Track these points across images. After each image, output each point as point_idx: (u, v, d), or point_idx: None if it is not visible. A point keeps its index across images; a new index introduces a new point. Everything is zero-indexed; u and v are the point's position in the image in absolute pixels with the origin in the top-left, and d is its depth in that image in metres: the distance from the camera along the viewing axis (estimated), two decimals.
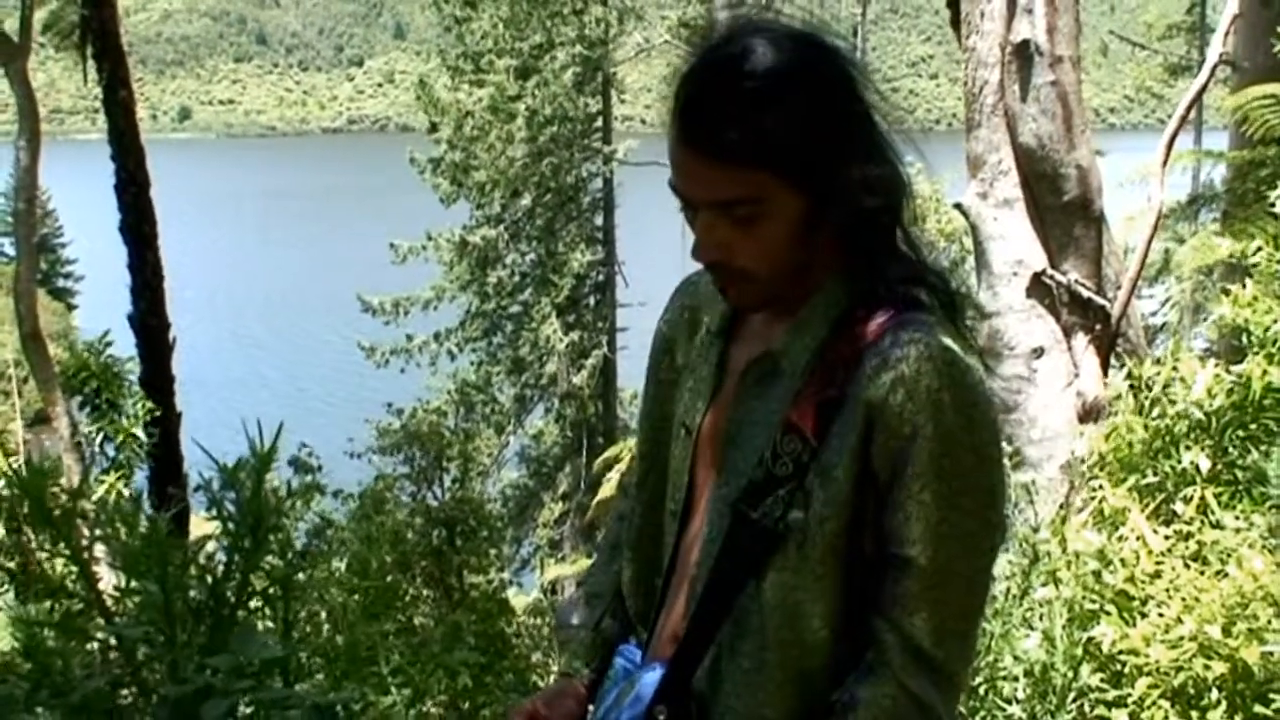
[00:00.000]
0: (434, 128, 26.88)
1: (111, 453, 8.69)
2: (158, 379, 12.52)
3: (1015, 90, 5.99)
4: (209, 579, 2.17)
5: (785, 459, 1.74)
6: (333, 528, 8.44)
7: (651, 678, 1.88)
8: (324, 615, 4.58)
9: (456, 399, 25.12)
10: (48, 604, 2.36)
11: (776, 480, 1.74)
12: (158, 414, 10.65)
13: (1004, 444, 1.79)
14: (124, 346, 11.29)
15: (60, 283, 65.86)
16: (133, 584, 2.15)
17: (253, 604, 2.28)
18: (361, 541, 7.96)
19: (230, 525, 2.16)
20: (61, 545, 2.41)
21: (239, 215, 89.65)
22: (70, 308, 57.78)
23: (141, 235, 12.89)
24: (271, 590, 2.40)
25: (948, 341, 1.70)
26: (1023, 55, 5.91)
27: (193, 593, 2.28)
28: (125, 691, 2.14)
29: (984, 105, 6.22)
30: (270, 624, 2.59)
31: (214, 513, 2.30)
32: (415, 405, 19.94)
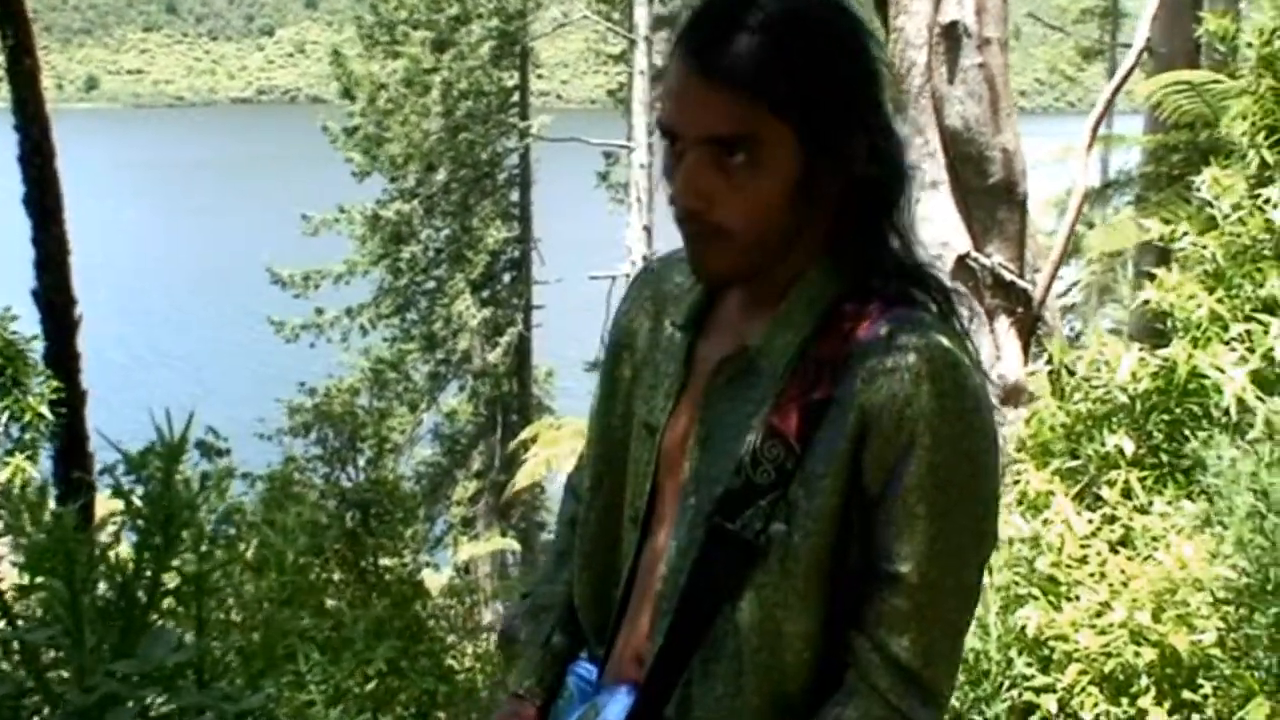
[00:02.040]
0: (348, 96, 26.49)
1: (16, 433, 8.43)
2: (62, 356, 12.19)
3: (943, 72, 5.95)
4: (119, 577, 2.03)
5: (766, 466, 1.60)
6: (241, 513, 8.24)
7: (616, 704, 1.74)
8: (234, 607, 4.43)
9: (370, 377, 24.84)
10: None
11: (757, 489, 1.60)
12: (63, 393, 10.38)
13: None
14: (30, 323, 10.98)
15: None
16: (37, 581, 2.01)
17: (165, 603, 2.15)
18: (272, 527, 7.79)
19: (140, 521, 2.02)
20: None
21: (147, 186, 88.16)
22: None
23: (46, 208, 12.50)
24: (185, 588, 2.27)
25: (947, 343, 1.59)
26: (951, 37, 5.88)
27: (103, 590, 2.15)
28: (27, 701, 2.01)
29: (911, 87, 6.17)
30: (184, 622, 2.47)
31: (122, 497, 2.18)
32: (328, 384, 19.68)
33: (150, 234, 72.20)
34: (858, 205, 1.63)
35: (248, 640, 3.63)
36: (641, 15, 23.59)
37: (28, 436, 8.40)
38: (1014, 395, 6.06)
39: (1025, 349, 6.27)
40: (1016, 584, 4.03)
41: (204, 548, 2.63)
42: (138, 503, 2.19)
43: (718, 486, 1.64)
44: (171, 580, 2.44)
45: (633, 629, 1.77)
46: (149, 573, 2.24)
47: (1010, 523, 4.20)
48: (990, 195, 6.04)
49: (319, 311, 26.72)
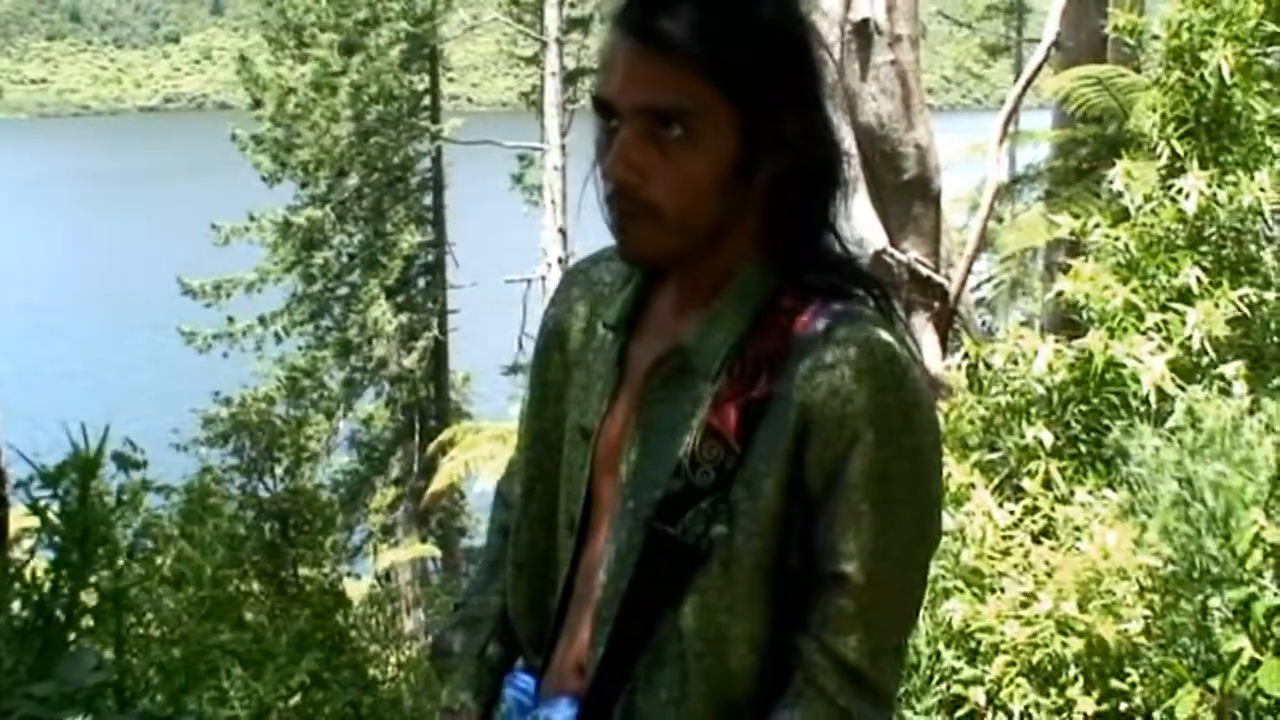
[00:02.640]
0: (256, 104, 26.18)
1: None
2: None
3: (855, 69, 5.98)
4: (35, 597, 1.98)
5: (706, 467, 1.56)
6: (159, 527, 8.10)
7: (559, 716, 1.68)
8: (154, 623, 4.34)
9: (285, 385, 24.56)
10: None
11: (697, 491, 1.56)
12: None
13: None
14: None
15: None
16: None
17: (84, 621, 2.10)
18: (190, 540, 7.67)
19: (56, 538, 1.97)
20: None
21: (54, 198, 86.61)
22: None
23: None
24: (103, 605, 2.22)
25: (887, 337, 1.55)
26: (862, 34, 5.91)
27: (18, 610, 2.09)
28: None
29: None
30: (101, 641, 2.41)
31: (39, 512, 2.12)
32: (243, 393, 19.47)
33: (57, 246, 71.03)
34: (792, 196, 1.60)
35: (168, 657, 3.57)
36: (552, 17, 23.56)
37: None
38: (933, 389, 6.10)
39: (943, 343, 6.32)
40: (943, 577, 4.05)
41: (121, 563, 2.58)
42: (54, 519, 2.13)
43: (656, 490, 1.60)
44: (90, 597, 2.38)
45: (572, 638, 1.72)
46: (66, 591, 2.19)
47: None
48: (905, 191, 6.09)
49: (231, 320, 26.39)
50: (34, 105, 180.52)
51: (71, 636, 2.04)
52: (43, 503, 2.01)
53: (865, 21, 5.90)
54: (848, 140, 6.10)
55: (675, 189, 1.54)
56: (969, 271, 6.41)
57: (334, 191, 26.31)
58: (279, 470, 9.15)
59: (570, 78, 25.09)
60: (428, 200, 27.38)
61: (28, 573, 2.05)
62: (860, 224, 6.18)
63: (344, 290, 26.66)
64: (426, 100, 27.16)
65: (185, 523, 8.13)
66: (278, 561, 8.11)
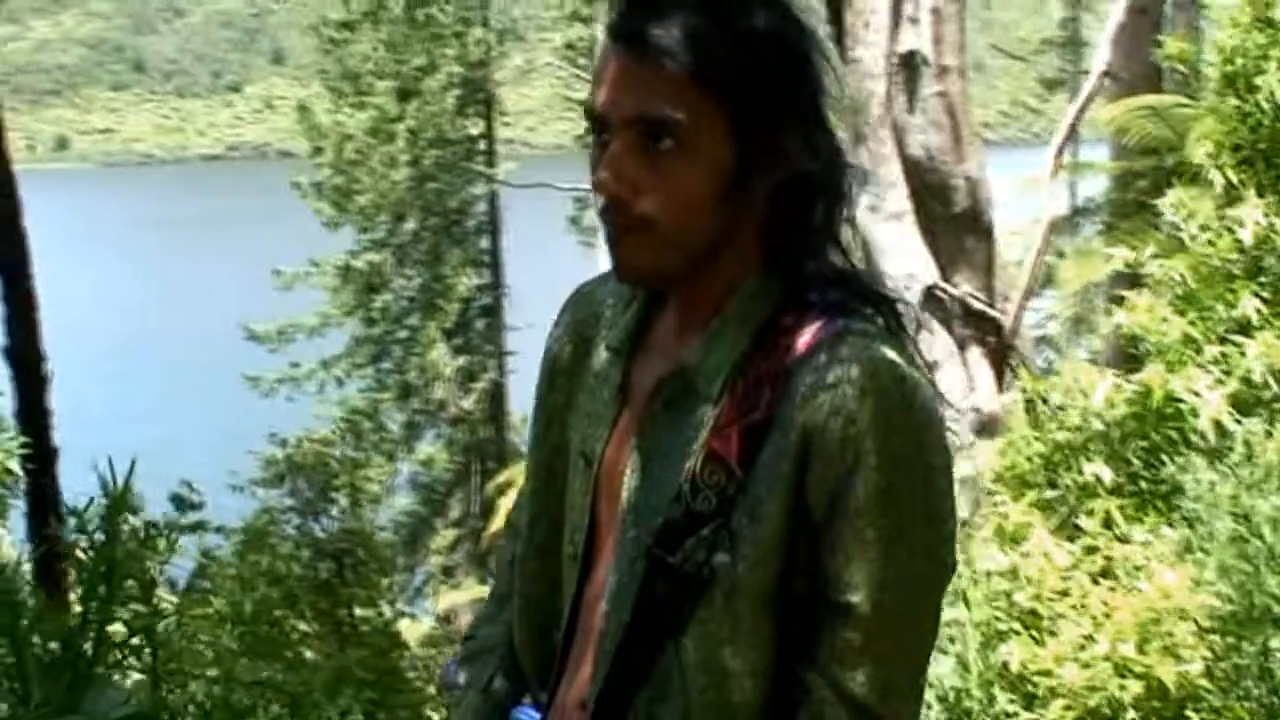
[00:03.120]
0: (316, 151, 26.50)
1: None
2: (33, 413, 12.09)
3: (902, 102, 5.94)
4: (61, 631, 1.96)
5: (707, 493, 1.49)
6: (215, 564, 8.13)
7: None
8: (200, 659, 4.32)
9: (343, 427, 24.69)
10: None
11: (698, 518, 1.49)
12: (29, 450, 10.25)
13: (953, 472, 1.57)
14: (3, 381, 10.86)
15: None
16: None
17: (113, 655, 2.08)
18: (243, 579, 7.69)
19: (84, 574, 1.95)
20: None
21: (119, 246, 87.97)
22: None
23: (14, 265, 12.43)
24: (136, 640, 2.20)
25: (893, 355, 1.47)
26: (909, 66, 5.86)
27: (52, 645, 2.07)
28: None
29: (870, 117, 6.15)
30: (136, 675, 2.39)
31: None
32: (299, 435, 19.60)
33: (124, 292, 72.02)
34: (792, 210, 1.54)
35: (208, 693, 3.56)
36: None
37: (116, 494, 8.25)
38: (989, 426, 6.01)
39: (999, 379, 6.23)
40: (997, 619, 3.96)
41: (154, 601, 2.57)
42: (81, 555, 2.13)
43: (657, 517, 1.54)
44: (123, 633, 2.37)
45: (576, 673, 1.66)
46: (94, 626, 2.17)
47: (988, 556, 4.14)
48: (956, 224, 6.02)
49: (295, 365, 26.66)
50: (100, 155, 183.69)
51: (100, 671, 2.01)
52: (70, 543, 1.99)
53: (912, 53, 5.86)
54: (895, 173, 6.07)
55: (668, 202, 1.48)
56: (1024, 306, 6.32)
57: (393, 236, 26.55)
58: (335, 511, 9.18)
59: None
60: (484, 243, 27.54)
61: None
62: (909, 258, 6.12)
63: (403, 333, 26.86)
64: (482, 144, 27.34)
65: (242, 562, 8.17)
66: (333, 601, 8.12)
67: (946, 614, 4.05)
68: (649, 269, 1.54)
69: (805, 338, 1.51)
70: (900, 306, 1.59)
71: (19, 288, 12.40)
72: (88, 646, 1.99)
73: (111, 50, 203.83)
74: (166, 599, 5.86)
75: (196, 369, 50.88)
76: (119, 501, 2.04)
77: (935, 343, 6.19)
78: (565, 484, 1.72)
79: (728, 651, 1.50)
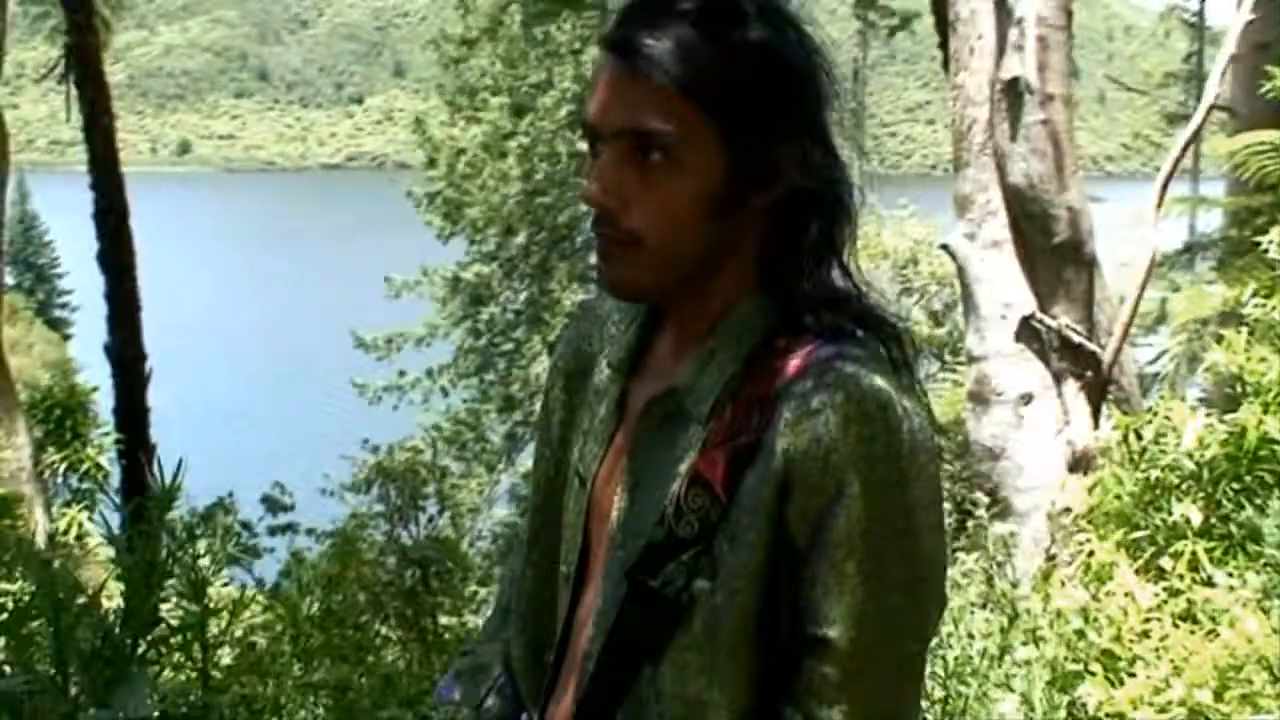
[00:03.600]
0: (431, 163, 26.84)
1: (75, 484, 8.49)
2: (132, 410, 12.35)
3: (1005, 129, 5.84)
4: (102, 625, 1.97)
5: (690, 517, 1.45)
6: (303, 565, 8.22)
7: None
8: (268, 659, 4.34)
9: (440, 436, 24.89)
10: None
11: (679, 542, 1.45)
12: (122, 445, 10.47)
13: (944, 505, 1.50)
14: (101, 376, 11.12)
15: (57, 313, 66.05)
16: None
17: (153, 651, 2.09)
18: (330, 582, 7.76)
19: (127, 569, 1.97)
20: None
21: (236, 250, 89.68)
22: (66, 338, 57.95)
23: (119, 265, 12.74)
24: (185, 636, 2.21)
25: (881, 382, 1.42)
26: (1012, 93, 5.76)
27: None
28: None
29: (972, 144, 6.07)
30: (185, 673, 2.40)
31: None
32: (392, 443, 19.83)
33: (239, 295, 73.39)
34: (788, 230, 1.51)
35: (259, 693, 3.57)
36: None
37: (85, 488, 8.45)
38: (1082, 461, 5.89)
39: (1095, 414, 6.10)
40: (1071, 659, 3.87)
41: (206, 599, 2.58)
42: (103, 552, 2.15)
43: (640, 539, 1.50)
44: (167, 630, 2.39)
45: (563, 692, 1.63)
46: (134, 620, 2.19)
47: (1067, 594, 4.05)
48: (1056, 255, 5.90)
49: (401, 374, 27.02)
50: (221, 160, 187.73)
51: (139, 666, 2.02)
52: (117, 537, 2.01)
53: (1015, 80, 5.75)
54: (995, 200, 5.97)
55: (656, 215, 1.45)
56: (1124, 340, 6.17)
57: (502, 249, 26.77)
58: (423, 519, 9.24)
59: None
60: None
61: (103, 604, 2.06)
62: (1008, 287, 6.02)
63: (508, 346, 27.06)
64: None
65: (330, 565, 8.26)
66: (417, 608, 8.17)
67: (1015, 653, 3.97)
68: (637, 285, 1.52)
69: (796, 361, 1.47)
70: (898, 331, 1.54)
71: (123, 288, 12.71)
72: (125, 641, 2.00)
73: (236, 58, 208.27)
74: (259, 599, 5.94)
75: (305, 374, 51.68)
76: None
77: (1031, 375, 6.08)
78: (563, 502, 1.70)
79: (705, 681, 1.46)
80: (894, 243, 15.97)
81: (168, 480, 2.11)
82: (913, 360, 1.54)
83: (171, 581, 2.06)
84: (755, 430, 1.45)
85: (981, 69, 5.98)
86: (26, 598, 1.95)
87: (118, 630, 1.98)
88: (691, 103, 1.42)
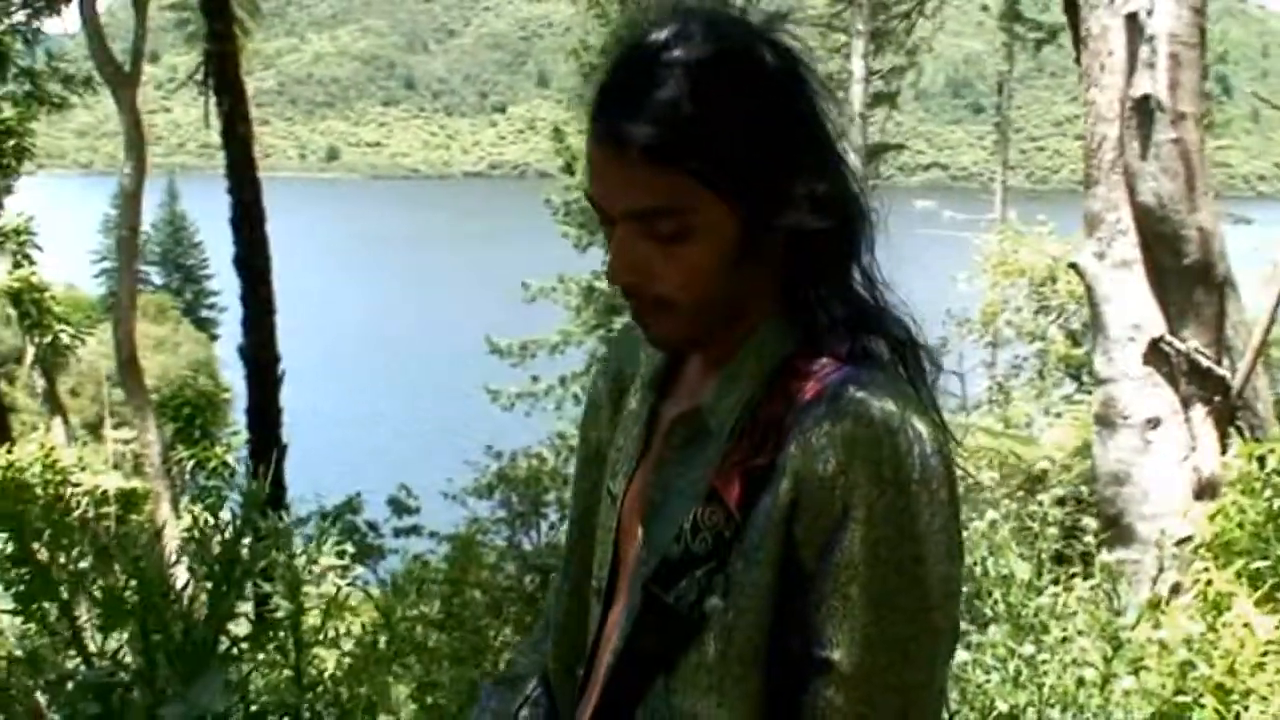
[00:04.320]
0: (569, 172, 27.10)
1: (203, 481, 8.72)
2: (265, 410, 12.66)
3: (1135, 147, 5.71)
4: (186, 621, 2.03)
5: (705, 534, 1.45)
6: (426, 569, 8.34)
7: None
8: (414, 659, 4.39)
9: (565, 444, 25.05)
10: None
11: (694, 559, 1.46)
12: (251, 444, 10.76)
13: (961, 533, 1.47)
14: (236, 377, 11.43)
15: (205, 313, 67.92)
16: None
17: (240, 649, 2.14)
18: (454, 586, 7.86)
19: (209, 566, 2.02)
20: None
21: (378, 255, 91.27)
22: (213, 338, 59.59)
23: (255, 268, 13.05)
24: (276, 634, 2.26)
25: (894, 405, 1.41)
26: (1143, 111, 5.64)
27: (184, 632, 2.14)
28: None
29: (1102, 162, 5.96)
30: (278, 670, 2.46)
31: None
32: (515, 450, 19.99)
33: (380, 299, 74.61)
34: (805, 255, 1.51)
35: (351, 693, 3.62)
36: (856, 93, 23.55)
37: (212, 484, 8.67)
38: (1208, 488, 5.74)
39: (1223, 441, 5.93)
40: (1180, 690, 3.77)
41: (298, 598, 2.63)
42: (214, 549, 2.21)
43: (659, 555, 1.51)
44: (249, 625, 2.44)
45: (586, 706, 1.63)
46: (217, 616, 2.25)
47: (1179, 624, 3.95)
48: (1186, 276, 5.75)
49: (534, 380, 27.27)
50: (367, 167, 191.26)
51: (222, 660, 2.07)
52: (204, 536, 2.06)
53: (1146, 98, 5.63)
54: (1125, 220, 5.85)
55: (681, 281, 1.47)
56: (1254, 365, 5.99)
57: None
58: (544, 526, 9.31)
59: (871, 153, 25.00)
60: None
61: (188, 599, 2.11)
62: (1136, 308, 5.89)
63: None
64: None
65: (452, 569, 8.36)
66: (536, 613, 8.23)
67: (1121, 683, 3.88)
68: (677, 339, 1.55)
69: (812, 384, 1.47)
70: (919, 352, 1.55)
71: (258, 291, 13.03)
72: (209, 636, 2.05)
73: (384, 66, 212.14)
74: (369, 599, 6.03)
75: (440, 379, 52.36)
76: (252, 496, 2.10)
77: (1158, 399, 5.94)
78: (598, 518, 1.72)
79: (716, 700, 1.46)
80: (1032, 260, 15.72)
81: (288, 480, 2.17)
82: (931, 380, 1.55)
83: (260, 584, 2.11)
84: (770, 451, 1.45)
85: (1112, 86, 5.86)
86: (117, 592, 2.01)
87: (200, 626, 2.04)
88: (682, 173, 1.42)
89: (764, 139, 1.44)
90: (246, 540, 2.18)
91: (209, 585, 2.12)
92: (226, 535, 2.09)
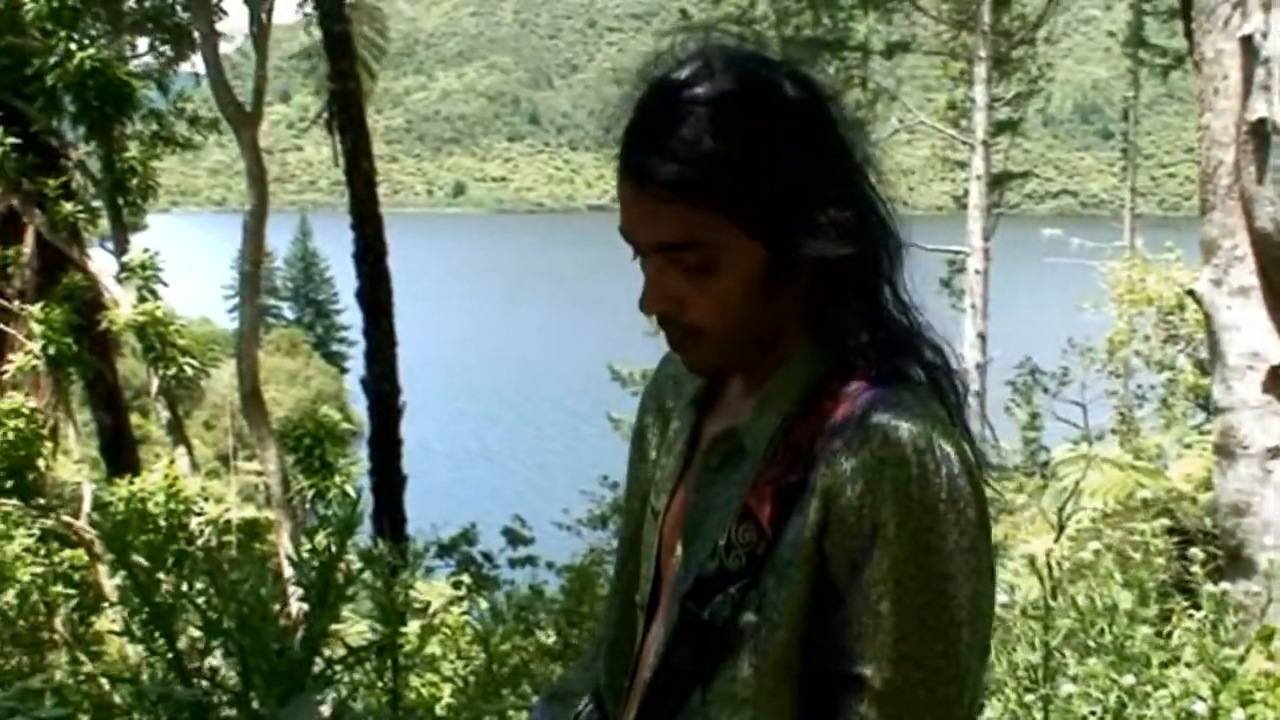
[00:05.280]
0: None
1: (323, 510, 8.90)
2: (386, 441, 12.92)
3: (1251, 172, 5.61)
4: (282, 642, 2.10)
5: (739, 551, 1.50)
6: (541, 598, 8.42)
7: None
8: (479, 682, 4.46)
9: None
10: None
11: (728, 575, 1.50)
12: (373, 475, 11.01)
13: (992, 553, 1.50)
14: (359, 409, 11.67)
15: (335, 347, 69.24)
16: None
17: (334, 671, 2.20)
18: (568, 615, 7.93)
19: (310, 590, 2.09)
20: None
21: (503, 287, 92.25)
22: (343, 371, 60.71)
23: (377, 303, 13.33)
24: (371, 656, 2.32)
25: (922, 425, 1.45)
26: (1259, 135, 5.53)
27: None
28: None
29: (1218, 187, 5.85)
30: (376, 695, 2.52)
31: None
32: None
33: (503, 332, 75.33)
34: (834, 280, 1.53)
35: (453, 716, 3.68)
36: (980, 121, 23.32)
37: (331, 514, 8.84)
38: None
39: None
40: None
41: (393, 623, 2.70)
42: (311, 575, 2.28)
43: (695, 572, 1.55)
44: (341, 649, 2.51)
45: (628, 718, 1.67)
46: (311, 639, 2.31)
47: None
48: None
49: None
50: (494, 201, 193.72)
51: (314, 682, 2.13)
52: (304, 563, 2.13)
53: (1262, 122, 5.52)
54: (1242, 246, 5.74)
55: (711, 309, 1.52)
56: None
57: None
58: None
59: (996, 181, 24.75)
60: None
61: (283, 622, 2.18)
62: (1255, 336, 5.77)
63: None
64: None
65: (567, 599, 8.44)
66: None
67: (1237, 715, 3.79)
68: (711, 365, 1.61)
69: (843, 405, 1.51)
70: (949, 374, 1.58)
71: (380, 325, 13.30)
72: (305, 658, 2.12)
73: (509, 102, 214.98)
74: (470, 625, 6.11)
75: (563, 409, 52.69)
76: (346, 528, 2.17)
77: (1277, 427, 5.82)
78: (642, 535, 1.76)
79: (749, 714, 1.49)
80: (1159, 289, 15.45)
81: (409, 511, 2.24)
82: (961, 400, 1.58)
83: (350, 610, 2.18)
84: (801, 471, 1.49)
85: (1228, 110, 5.76)
86: (216, 613, 2.09)
87: (296, 647, 2.10)
88: (705, 207, 1.47)
89: (786, 173, 1.48)
90: (342, 565, 2.25)
91: (305, 608, 2.19)
92: (323, 560, 2.15)
